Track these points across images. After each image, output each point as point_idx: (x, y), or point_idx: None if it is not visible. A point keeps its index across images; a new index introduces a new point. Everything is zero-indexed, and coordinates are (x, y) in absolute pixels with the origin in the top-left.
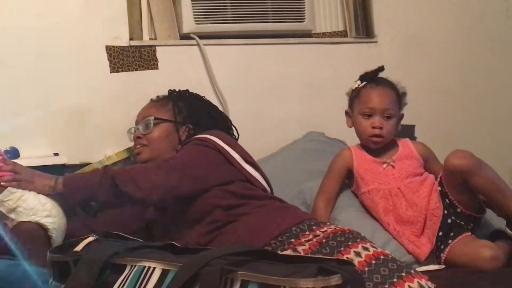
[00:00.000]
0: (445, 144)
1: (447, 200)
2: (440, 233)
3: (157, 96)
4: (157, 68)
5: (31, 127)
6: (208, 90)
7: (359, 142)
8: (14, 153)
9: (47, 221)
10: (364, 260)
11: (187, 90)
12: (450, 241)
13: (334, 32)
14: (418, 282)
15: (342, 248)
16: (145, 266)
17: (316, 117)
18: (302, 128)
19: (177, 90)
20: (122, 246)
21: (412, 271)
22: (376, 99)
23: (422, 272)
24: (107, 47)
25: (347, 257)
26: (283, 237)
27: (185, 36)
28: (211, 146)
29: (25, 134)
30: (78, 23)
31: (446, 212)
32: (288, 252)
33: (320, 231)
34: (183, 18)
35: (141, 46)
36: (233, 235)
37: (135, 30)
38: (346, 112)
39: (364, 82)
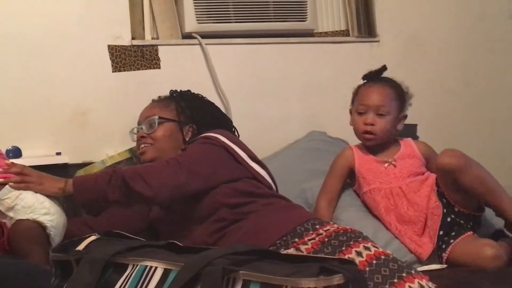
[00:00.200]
0: (447, 144)
1: (444, 199)
2: (441, 232)
3: (159, 97)
4: (159, 68)
5: (33, 126)
6: (210, 89)
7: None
8: (16, 152)
9: (45, 219)
10: (365, 260)
11: (188, 90)
12: (451, 241)
13: (336, 31)
14: (418, 282)
15: (343, 248)
16: (147, 266)
17: (318, 116)
18: (304, 128)
19: (178, 90)
20: (124, 245)
21: (413, 272)
22: (371, 96)
23: (424, 271)
24: (109, 46)
25: (348, 257)
26: (287, 236)
27: (187, 36)
28: (217, 144)
29: (27, 134)
30: (80, 23)
31: (445, 210)
32: (291, 251)
33: (322, 230)
34: (185, 17)
35: (143, 46)
36: (239, 235)
37: (137, 29)
38: (350, 111)
39: (365, 81)
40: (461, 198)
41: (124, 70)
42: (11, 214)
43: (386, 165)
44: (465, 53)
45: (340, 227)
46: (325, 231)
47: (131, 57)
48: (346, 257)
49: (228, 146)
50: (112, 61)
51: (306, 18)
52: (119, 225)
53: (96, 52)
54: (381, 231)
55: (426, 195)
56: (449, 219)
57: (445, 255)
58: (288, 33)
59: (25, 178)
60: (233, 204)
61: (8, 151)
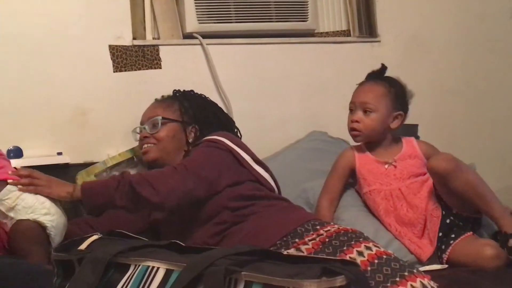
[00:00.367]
0: (447, 144)
1: (442, 201)
2: (440, 234)
3: (162, 96)
4: (160, 68)
5: (34, 126)
6: (211, 89)
7: None
8: (17, 152)
9: (45, 219)
10: (367, 260)
11: (191, 90)
12: (451, 242)
13: (337, 31)
14: (420, 281)
15: (345, 248)
16: (149, 266)
17: (319, 116)
18: (305, 128)
19: (181, 90)
20: (126, 245)
21: (415, 271)
22: (357, 94)
23: (425, 271)
24: (110, 46)
25: (350, 257)
26: (288, 237)
27: (188, 36)
28: (222, 148)
29: (28, 134)
30: (81, 23)
31: (444, 212)
32: (292, 251)
33: (323, 231)
34: (186, 17)
35: (144, 46)
36: (240, 236)
37: (138, 29)
38: None
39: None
40: (457, 201)
41: (125, 70)
42: (12, 214)
43: (386, 166)
44: (466, 53)
45: (340, 228)
46: (326, 231)
47: (132, 57)
48: (347, 257)
49: (233, 150)
50: (113, 61)
51: (307, 18)
52: (120, 225)
53: (97, 52)
54: (382, 231)
55: (426, 197)
56: (448, 221)
57: (445, 256)
58: (289, 33)
59: (34, 181)
60: (235, 207)
61: (9, 151)
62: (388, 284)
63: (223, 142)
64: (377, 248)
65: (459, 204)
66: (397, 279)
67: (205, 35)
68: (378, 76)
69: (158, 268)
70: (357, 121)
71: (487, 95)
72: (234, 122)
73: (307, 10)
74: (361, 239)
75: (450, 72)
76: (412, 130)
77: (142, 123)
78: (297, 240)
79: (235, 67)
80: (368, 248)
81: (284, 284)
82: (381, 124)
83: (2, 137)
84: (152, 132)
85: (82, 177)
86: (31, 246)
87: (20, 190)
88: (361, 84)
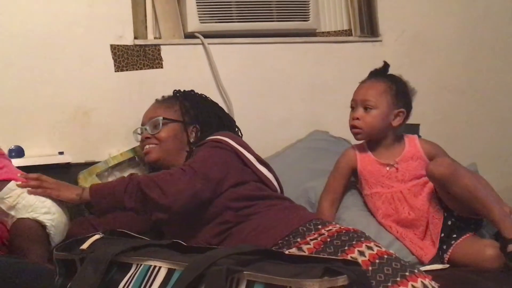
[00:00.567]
0: (449, 143)
1: (443, 203)
2: (442, 235)
3: (163, 96)
4: (161, 67)
5: (35, 126)
6: (213, 89)
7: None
8: (18, 152)
9: (45, 218)
10: (368, 259)
11: (192, 90)
12: (453, 242)
13: (339, 31)
14: (421, 281)
15: (346, 247)
16: (151, 265)
17: (320, 116)
18: (306, 127)
19: (182, 90)
20: (128, 244)
21: (416, 271)
22: (359, 91)
23: (426, 271)
24: (111, 46)
25: (351, 256)
26: (289, 236)
27: (190, 35)
28: (226, 148)
29: (30, 133)
30: (82, 22)
31: (445, 214)
32: (294, 250)
33: (325, 230)
34: (187, 17)
35: (145, 45)
36: (242, 236)
37: (139, 29)
38: None
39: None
40: (457, 204)
41: (127, 70)
42: (12, 212)
43: (388, 168)
44: (468, 53)
45: (342, 227)
46: (327, 231)
47: (133, 57)
48: (348, 257)
49: (237, 150)
50: (115, 60)
51: (308, 17)
52: (123, 225)
53: (99, 52)
54: (384, 231)
55: (427, 198)
56: (449, 222)
57: (446, 256)
58: (291, 32)
59: (43, 184)
60: (238, 207)
61: (10, 151)
62: (389, 284)
63: (227, 142)
64: (379, 248)
65: (459, 207)
66: (398, 279)
67: (207, 35)
68: (380, 73)
69: (160, 267)
70: (357, 119)
71: (489, 95)
72: (235, 121)
73: (309, 9)
74: (362, 239)
75: (452, 72)
76: (413, 130)
77: (143, 124)
78: (299, 239)
79: (236, 66)
80: (369, 247)
81: (286, 284)
82: (382, 121)
83: (3, 136)
84: (153, 133)
85: (83, 177)
86: (31, 245)
87: (29, 192)
88: (362, 82)
